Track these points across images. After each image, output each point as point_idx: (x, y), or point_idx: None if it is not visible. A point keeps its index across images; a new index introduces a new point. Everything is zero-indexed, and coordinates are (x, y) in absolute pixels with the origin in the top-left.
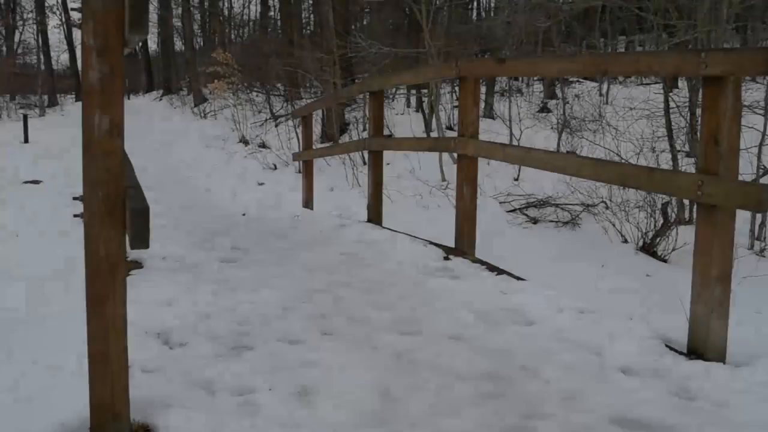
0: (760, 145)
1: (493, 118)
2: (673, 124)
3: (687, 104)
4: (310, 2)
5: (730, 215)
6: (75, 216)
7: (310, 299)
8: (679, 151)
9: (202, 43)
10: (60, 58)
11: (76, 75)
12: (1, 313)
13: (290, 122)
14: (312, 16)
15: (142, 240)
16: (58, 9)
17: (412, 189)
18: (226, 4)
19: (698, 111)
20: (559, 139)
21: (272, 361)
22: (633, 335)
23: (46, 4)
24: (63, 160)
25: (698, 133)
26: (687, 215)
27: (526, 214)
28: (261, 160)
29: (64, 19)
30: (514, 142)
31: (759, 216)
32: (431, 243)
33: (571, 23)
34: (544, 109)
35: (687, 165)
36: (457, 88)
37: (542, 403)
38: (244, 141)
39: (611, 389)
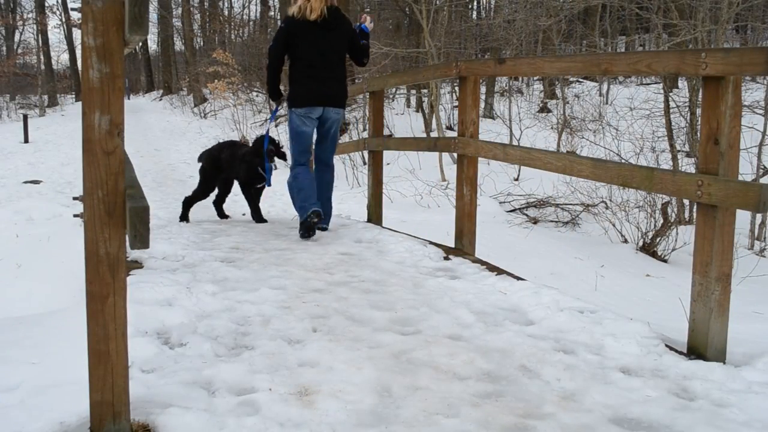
0: (760, 145)
1: (493, 118)
2: (673, 124)
3: (687, 104)
4: None
5: (730, 215)
6: (75, 216)
7: (310, 299)
8: (679, 151)
9: (202, 43)
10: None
11: (76, 75)
12: (1, 313)
13: None
14: None
15: (142, 240)
16: (58, 9)
17: (412, 189)
18: (226, 4)
19: (698, 111)
20: (559, 139)
21: (272, 361)
22: (633, 335)
23: (46, 4)
24: (63, 160)
25: (698, 133)
26: (687, 215)
27: (526, 214)
28: None
29: (64, 19)
30: (514, 142)
31: (759, 216)
32: (431, 243)
33: (572, 22)
34: (544, 109)
35: (687, 165)
36: (457, 88)
37: (542, 403)
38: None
39: (611, 389)
